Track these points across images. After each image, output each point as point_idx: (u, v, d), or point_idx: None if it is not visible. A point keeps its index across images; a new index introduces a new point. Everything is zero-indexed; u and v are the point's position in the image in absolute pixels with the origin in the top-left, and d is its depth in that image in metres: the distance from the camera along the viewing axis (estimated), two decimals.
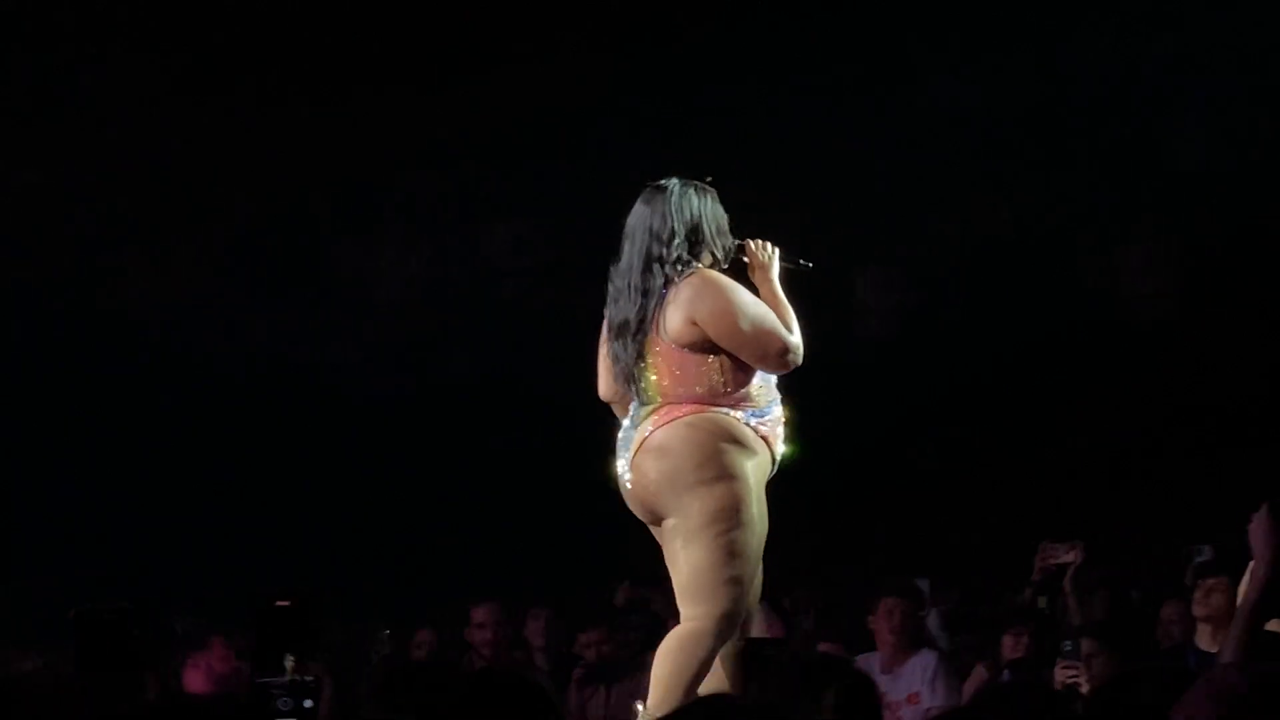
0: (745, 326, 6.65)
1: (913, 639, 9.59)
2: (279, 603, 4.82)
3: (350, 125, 13.72)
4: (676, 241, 6.73)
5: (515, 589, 10.67)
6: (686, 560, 6.65)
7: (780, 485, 6.83)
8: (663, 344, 6.70)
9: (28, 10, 13.22)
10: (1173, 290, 12.65)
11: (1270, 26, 12.62)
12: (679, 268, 6.69)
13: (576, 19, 13.52)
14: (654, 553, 6.94)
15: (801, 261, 6.97)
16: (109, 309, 13.82)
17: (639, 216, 6.80)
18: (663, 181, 6.85)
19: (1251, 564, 6.40)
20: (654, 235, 6.75)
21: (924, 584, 10.37)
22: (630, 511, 6.87)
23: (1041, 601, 9.77)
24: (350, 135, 13.77)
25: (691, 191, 6.83)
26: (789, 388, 6.87)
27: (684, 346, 6.67)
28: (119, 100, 13.46)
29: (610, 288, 6.83)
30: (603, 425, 7.07)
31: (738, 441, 6.66)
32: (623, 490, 6.82)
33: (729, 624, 6.60)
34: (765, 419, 6.76)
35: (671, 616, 9.67)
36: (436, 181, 14.44)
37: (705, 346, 6.66)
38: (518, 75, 13.69)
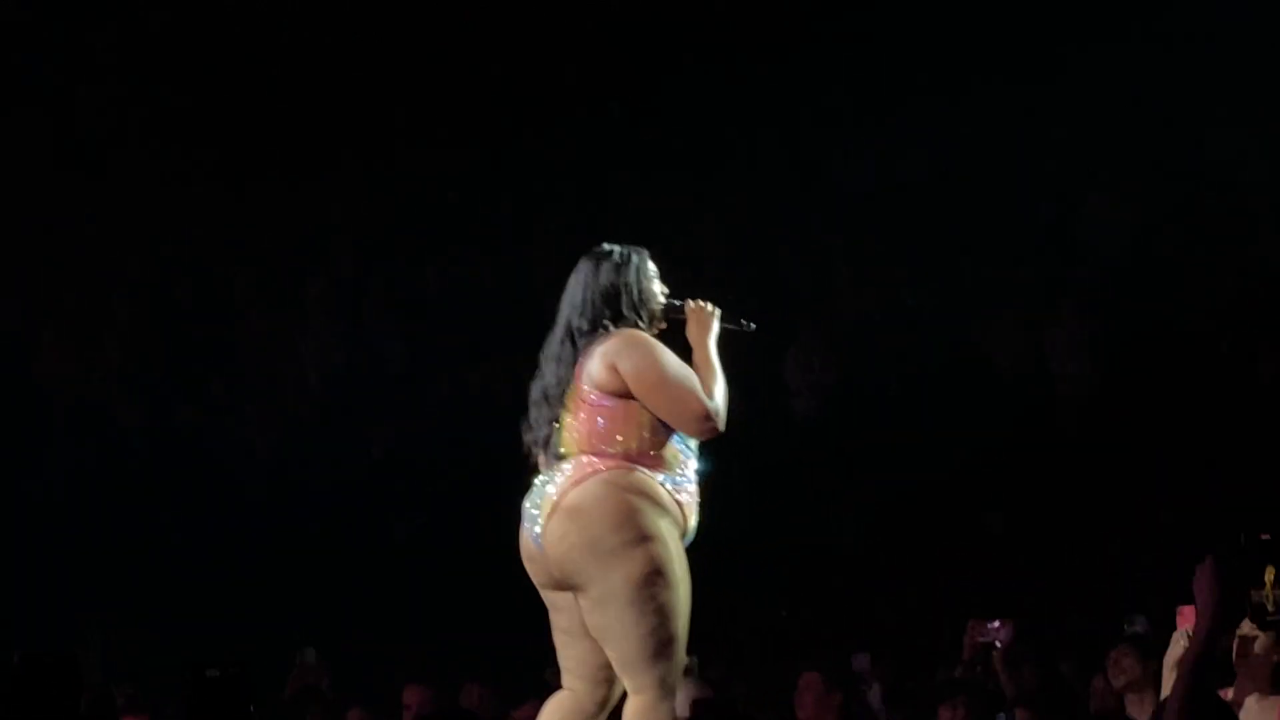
0: (666, 385, 6.50)
1: (837, 715, 9.55)
2: (208, 673, 4.74)
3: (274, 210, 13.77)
4: (593, 312, 6.72)
5: (448, 663, 10.64)
6: (625, 631, 6.54)
7: (718, 565, 6.81)
8: (587, 394, 6.60)
9: None
10: (1095, 370, 12.78)
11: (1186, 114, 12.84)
12: (596, 334, 6.61)
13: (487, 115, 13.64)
14: None
15: (744, 323, 6.94)
16: (30, 384, 13.76)
17: (566, 290, 6.81)
18: (598, 248, 6.84)
19: (1175, 632, 6.46)
20: (573, 307, 6.68)
21: (864, 659, 10.37)
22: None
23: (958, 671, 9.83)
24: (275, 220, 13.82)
25: (614, 261, 6.79)
26: (719, 467, 6.84)
27: (609, 394, 6.52)
28: (32, 180, 13.47)
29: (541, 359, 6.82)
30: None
31: (654, 500, 6.46)
32: (527, 549, 6.48)
33: (675, 682, 6.57)
34: (680, 487, 6.56)
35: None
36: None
37: (629, 395, 6.50)
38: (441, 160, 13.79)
